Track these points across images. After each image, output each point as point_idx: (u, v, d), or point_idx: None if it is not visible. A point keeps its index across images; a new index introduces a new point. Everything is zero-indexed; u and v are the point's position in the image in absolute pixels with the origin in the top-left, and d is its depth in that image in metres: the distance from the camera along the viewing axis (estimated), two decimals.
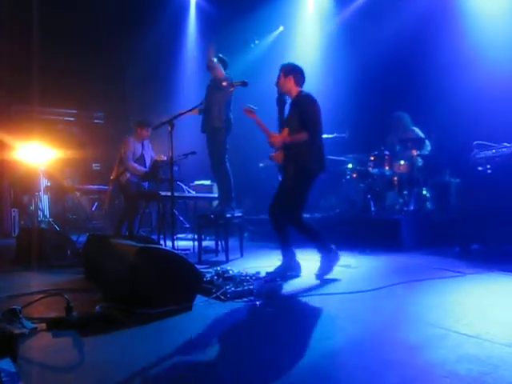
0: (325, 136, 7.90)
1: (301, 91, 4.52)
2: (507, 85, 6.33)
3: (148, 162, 7.05)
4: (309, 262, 5.23)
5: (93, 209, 9.63)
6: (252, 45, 10.38)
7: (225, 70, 6.05)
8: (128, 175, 6.86)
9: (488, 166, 5.24)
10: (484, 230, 5.17)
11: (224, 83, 5.71)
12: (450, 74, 7.09)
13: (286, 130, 4.46)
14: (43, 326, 2.61)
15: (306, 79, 4.59)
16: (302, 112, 4.36)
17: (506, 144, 5.22)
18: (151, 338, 2.56)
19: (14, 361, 2.03)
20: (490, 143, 5.44)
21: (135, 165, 6.85)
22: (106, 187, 7.94)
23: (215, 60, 5.91)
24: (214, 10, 10.53)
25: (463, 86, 6.90)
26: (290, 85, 4.49)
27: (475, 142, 5.52)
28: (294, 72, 4.51)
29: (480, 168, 5.32)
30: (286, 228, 4.53)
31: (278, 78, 4.56)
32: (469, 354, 2.12)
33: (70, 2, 9.11)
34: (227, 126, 6.02)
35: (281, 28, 10.91)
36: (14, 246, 5.81)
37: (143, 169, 6.88)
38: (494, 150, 5.29)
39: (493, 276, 4.10)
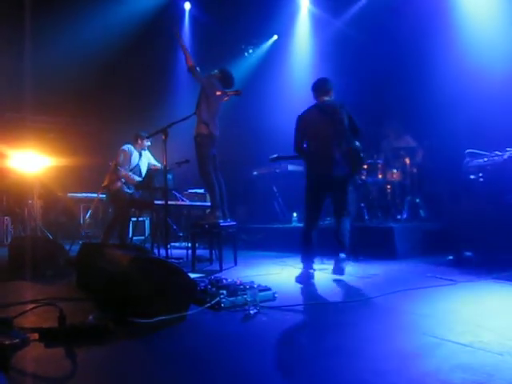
0: None
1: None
2: (499, 93, 6.39)
3: (144, 173, 7.05)
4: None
5: (86, 217, 9.60)
6: (246, 54, 10.45)
7: (227, 87, 5.97)
8: (119, 184, 6.84)
9: (480, 175, 5.27)
10: (477, 238, 5.20)
11: (218, 92, 5.72)
12: (444, 83, 7.14)
13: None
14: (35, 336, 2.58)
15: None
16: None
17: (497, 152, 5.25)
18: (145, 348, 2.54)
19: (6, 372, 2.01)
20: (481, 151, 5.48)
21: (129, 173, 6.84)
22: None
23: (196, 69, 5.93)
24: (209, 20, 10.56)
25: (456, 95, 6.95)
26: None
27: (467, 151, 5.56)
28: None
29: (472, 176, 5.35)
30: None
31: None
32: (462, 362, 2.12)
33: (61, 9, 9.09)
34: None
35: (275, 37, 10.99)
36: (7, 254, 5.77)
37: (136, 177, 6.88)
38: (485, 159, 5.32)
39: (485, 284, 4.12)
